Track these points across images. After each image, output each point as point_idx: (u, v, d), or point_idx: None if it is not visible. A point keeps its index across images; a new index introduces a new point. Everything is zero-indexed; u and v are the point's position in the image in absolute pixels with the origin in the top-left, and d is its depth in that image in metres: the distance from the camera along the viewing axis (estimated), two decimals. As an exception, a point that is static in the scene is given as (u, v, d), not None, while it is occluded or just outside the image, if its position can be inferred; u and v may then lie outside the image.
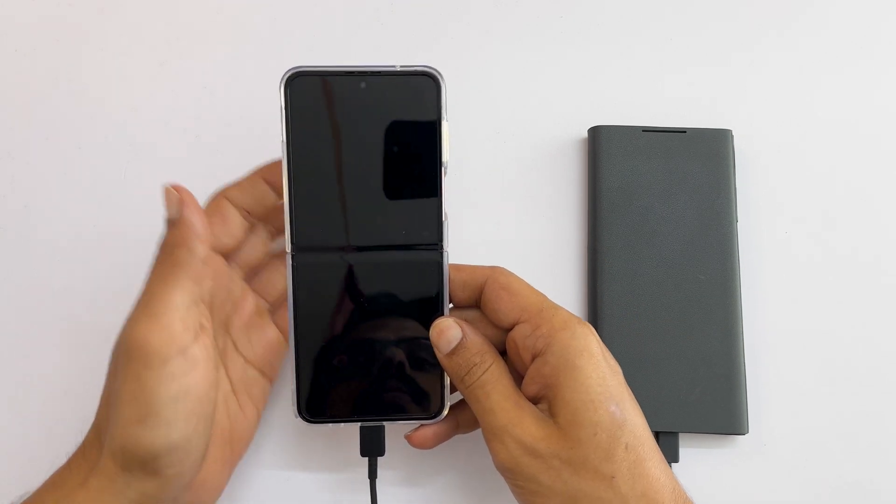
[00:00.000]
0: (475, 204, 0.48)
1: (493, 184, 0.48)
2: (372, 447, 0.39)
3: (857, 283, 0.47)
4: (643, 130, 0.47)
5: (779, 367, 0.45)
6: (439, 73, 0.37)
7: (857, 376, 0.45)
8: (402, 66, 0.37)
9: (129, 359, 0.32)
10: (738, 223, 0.46)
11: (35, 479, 0.36)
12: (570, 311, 0.36)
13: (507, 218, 0.48)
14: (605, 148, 0.46)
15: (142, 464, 0.33)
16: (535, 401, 0.36)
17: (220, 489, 0.39)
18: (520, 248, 0.47)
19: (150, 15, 0.51)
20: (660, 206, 0.45)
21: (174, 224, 0.35)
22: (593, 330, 0.36)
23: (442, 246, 0.38)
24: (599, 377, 0.34)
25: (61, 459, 0.36)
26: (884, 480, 0.44)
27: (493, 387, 0.35)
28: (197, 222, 0.35)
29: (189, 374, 0.33)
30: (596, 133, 0.47)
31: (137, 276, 0.40)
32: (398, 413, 0.38)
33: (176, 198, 0.35)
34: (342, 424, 0.39)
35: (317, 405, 0.38)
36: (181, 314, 0.33)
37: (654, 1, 0.51)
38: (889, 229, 0.47)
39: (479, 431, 0.39)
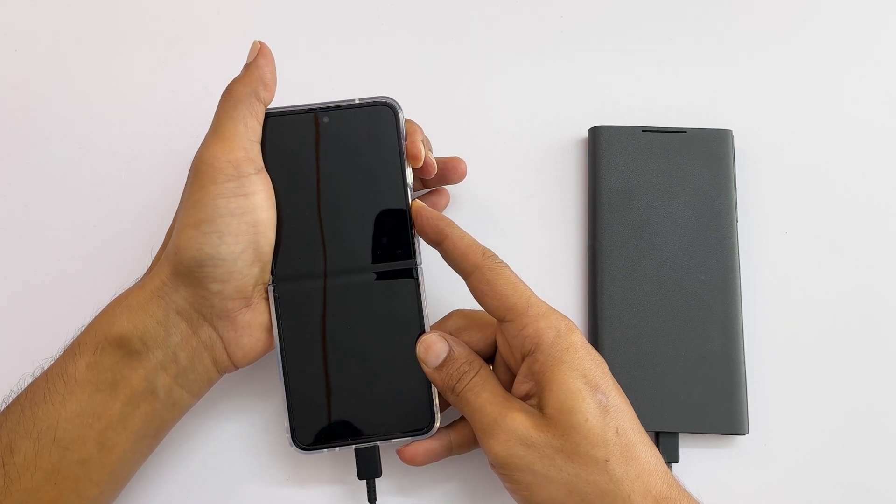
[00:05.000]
0: (475, 204, 0.48)
1: (494, 184, 0.48)
2: (368, 469, 0.40)
3: (858, 282, 0.47)
4: (643, 130, 0.47)
5: (779, 367, 0.45)
6: (396, 103, 0.39)
7: (857, 376, 0.45)
8: (360, 100, 0.39)
9: (198, 173, 0.36)
10: (738, 223, 0.46)
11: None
12: (569, 310, 0.36)
13: (507, 218, 0.48)
14: (605, 148, 0.46)
15: (189, 269, 0.36)
16: (526, 398, 0.37)
17: (256, 349, 0.39)
18: (520, 248, 0.47)
19: (149, 15, 0.51)
20: (660, 206, 0.46)
21: (245, 67, 0.38)
22: (576, 325, 0.37)
23: (415, 262, 0.39)
24: (585, 369, 0.35)
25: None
26: (884, 480, 0.44)
27: (483, 387, 0.37)
28: (266, 72, 0.38)
29: (247, 198, 0.37)
30: (596, 133, 0.47)
31: (138, 276, 0.40)
32: (391, 432, 0.39)
33: (256, 47, 0.38)
34: (337, 449, 0.39)
35: (310, 433, 0.39)
36: (244, 144, 0.37)
37: (655, 1, 0.51)
38: (889, 229, 0.47)
39: (472, 453, 0.40)
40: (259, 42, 0.39)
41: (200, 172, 0.36)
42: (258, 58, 0.38)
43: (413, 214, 0.39)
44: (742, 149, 0.48)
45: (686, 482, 0.36)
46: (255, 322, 0.38)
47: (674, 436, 0.43)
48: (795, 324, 0.46)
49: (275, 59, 0.39)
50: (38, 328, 0.45)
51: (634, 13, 0.51)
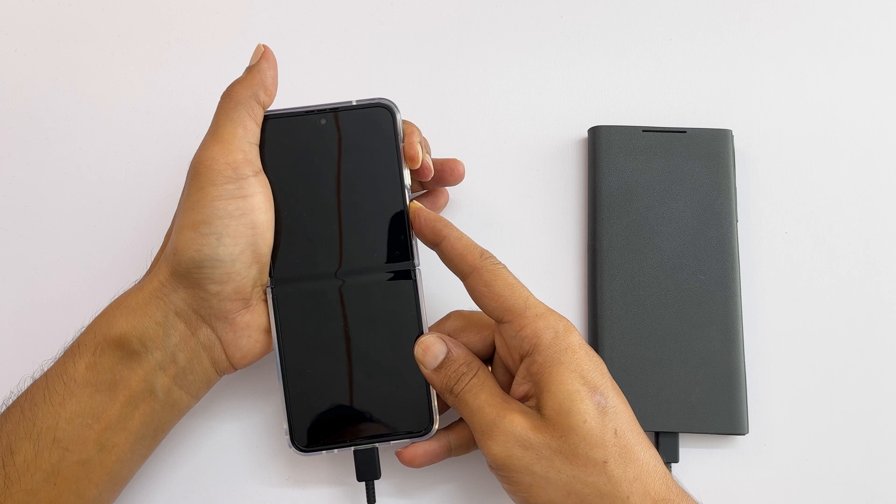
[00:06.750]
0: (474, 204, 0.48)
1: (493, 184, 0.48)
2: (367, 471, 0.40)
3: (857, 282, 0.47)
4: (643, 130, 0.47)
5: (779, 367, 0.45)
6: (394, 104, 0.39)
7: (856, 376, 0.45)
8: (357, 101, 0.39)
9: (196, 174, 0.36)
10: (738, 223, 0.46)
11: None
12: (569, 310, 0.36)
13: (507, 218, 0.48)
14: (605, 148, 0.46)
15: (187, 270, 0.36)
16: (524, 399, 0.37)
17: (255, 350, 0.39)
18: (519, 248, 0.47)
19: (149, 15, 0.51)
20: (660, 206, 0.45)
21: (248, 70, 0.38)
22: (574, 326, 0.37)
23: (414, 263, 0.39)
24: (583, 370, 0.35)
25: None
26: (884, 480, 0.44)
27: (481, 388, 0.37)
28: (268, 75, 0.38)
29: (246, 199, 0.37)
30: (596, 133, 0.47)
31: (137, 277, 0.40)
32: (390, 433, 0.39)
33: (260, 50, 0.39)
34: (336, 450, 0.39)
35: (309, 434, 0.39)
36: (243, 146, 0.37)
37: (655, 1, 0.51)
38: (888, 229, 0.47)
39: (471, 454, 0.40)
40: (263, 45, 0.39)
41: (199, 174, 0.36)
42: (261, 61, 0.38)
43: (411, 216, 0.39)
44: (742, 149, 0.48)
45: (685, 482, 0.36)
46: (253, 323, 0.39)
47: (674, 436, 0.43)
48: (795, 324, 0.46)
49: (277, 63, 0.39)
50: (37, 329, 0.46)
51: (634, 13, 0.51)
